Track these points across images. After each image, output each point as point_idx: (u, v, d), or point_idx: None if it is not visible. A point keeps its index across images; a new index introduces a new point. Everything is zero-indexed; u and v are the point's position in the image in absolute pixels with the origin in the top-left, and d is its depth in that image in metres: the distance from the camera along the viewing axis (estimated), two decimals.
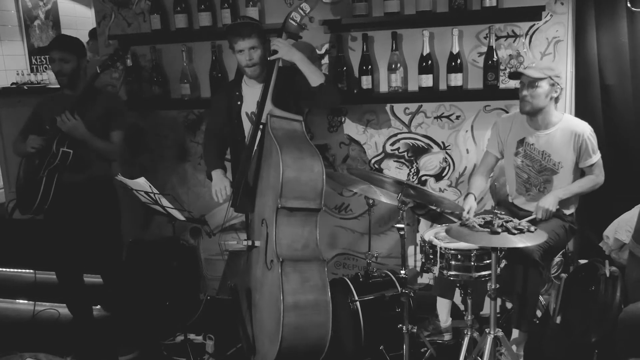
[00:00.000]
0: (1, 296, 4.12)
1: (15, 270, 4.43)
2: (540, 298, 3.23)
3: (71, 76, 3.09)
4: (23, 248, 4.41)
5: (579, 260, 3.26)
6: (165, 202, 2.85)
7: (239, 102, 3.08)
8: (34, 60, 6.48)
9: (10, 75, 5.84)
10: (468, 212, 2.92)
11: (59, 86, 5.24)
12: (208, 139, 3.31)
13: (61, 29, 6.78)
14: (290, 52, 2.88)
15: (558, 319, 2.98)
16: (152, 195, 2.80)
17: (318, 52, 3.47)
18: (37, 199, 3.05)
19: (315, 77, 2.89)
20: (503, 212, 2.49)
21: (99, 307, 3.75)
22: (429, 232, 2.89)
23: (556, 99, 2.90)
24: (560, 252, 3.10)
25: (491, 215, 2.45)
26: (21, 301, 4.00)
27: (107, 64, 3.13)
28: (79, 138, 3.01)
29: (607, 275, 2.77)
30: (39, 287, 3.53)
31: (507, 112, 3.26)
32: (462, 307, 3.25)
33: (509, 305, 3.27)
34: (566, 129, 2.91)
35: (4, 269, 4.47)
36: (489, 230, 2.37)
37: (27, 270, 4.33)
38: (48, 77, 5.52)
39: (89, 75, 3.12)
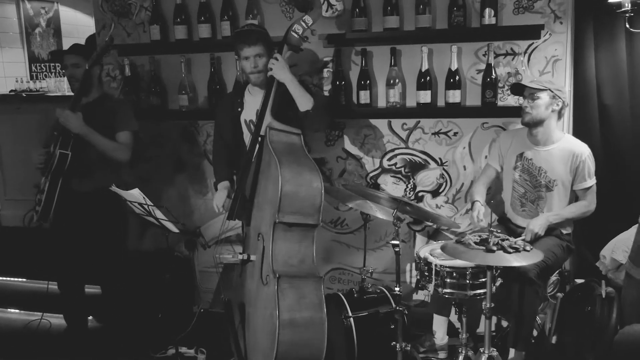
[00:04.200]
0: None
1: (6, 279, 4.39)
2: (537, 317, 3.21)
3: (83, 81, 3.10)
4: (16, 257, 4.39)
5: (576, 280, 3.25)
6: (159, 214, 2.83)
7: (239, 109, 3.08)
8: (34, 68, 6.48)
9: (9, 83, 5.83)
10: (478, 217, 2.92)
11: (58, 94, 5.27)
12: (215, 148, 3.31)
13: (62, 37, 6.79)
14: (282, 73, 2.84)
15: (554, 339, 2.95)
16: (145, 206, 2.78)
17: (316, 65, 3.48)
18: (41, 205, 3.03)
19: (303, 102, 2.85)
20: (499, 231, 2.48)
21: (91, 317, 3.72)
22: (425, 248, 2.87)
23: (559, 114, 2.90)
24: (557, 271, 3.08)
25: (487, 233, 2.43)
26: (12, 310, 3.96)
27: (94, 60, 3.11)
28: (78, 132, 3.00)
29: (603, 296, 2.75)
30: (30, 296, 3.50)
31: (504, 130, 3.26)
32: (458, 325, 3.22)
33: (504, 323, 3.25)
34: (565, 148, 2.91)
35: None
36: (484, 248, 2.35)
37: (19, 279, 4.29)
38: (47, 85, 5.51)
39: (82, 74, 3.12)
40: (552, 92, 2.85)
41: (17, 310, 3.94)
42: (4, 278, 4.40)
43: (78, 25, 6.97)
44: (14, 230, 4.68)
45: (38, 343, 3.48)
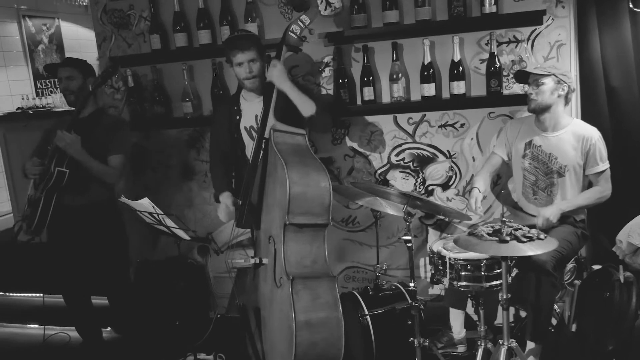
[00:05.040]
0: (11, 321, 4.10)
1: (25, 294, 4.42)
2: (555, 306, 3.17)
3: (78, 95, 3.13)
4: (31, 272, 4.42)
5: (592, 266, 3.20)
6: (169, 222, 2.83)
7: (237, 117, 3.07)
8: (39, 85, 6.53)
9: (15, 100, 5.88)
10: (475, 204, 2.89)
11: (64, 109, 5.31)
12: (213, 158, 3.27)
13: (65, 53, 6.85)
14: (280, 80, 2.83)
15: (573, 327, 2.91)
16: (155, 215, 2.78)
17: (318, 65, 3.47)
18: (36, 219, 3.05)
19: (305, 107, 2.83)
20: (512, 220, 2.45)
21: (109, 329, 3.74)
22: (438, 242, 2.85)
23: (566, 99, 2.87)
24: (573, 259, 3.05)
25: (499, 224, 2.40)
26: (31, 326, 3.99)
27: (98, 82, 3.15)
28: (75, 157, 3.02)
29: (622, 281, 2.71)
30: (48, 310, 3.51)
31: (511, 118, 3.23)
32: (475, 318, 3.20)
33: (522, 314, 3.22)
34: (574, 132, 2.88)
35: (13, 294, 4.47)
36: (497, 239, 2.32)
37: (36, 295, 4.32)
38: (53, 101, 5.55)
39: (84, 94, 3.14)
40: (556, 77, 2.82)
41: (36, 325, 3.95)
42: (25, 294, 4.44)
43: (80, 40, 7.04)
44: (30, 246, 4.72)
45: (57, 357, 3.49)
